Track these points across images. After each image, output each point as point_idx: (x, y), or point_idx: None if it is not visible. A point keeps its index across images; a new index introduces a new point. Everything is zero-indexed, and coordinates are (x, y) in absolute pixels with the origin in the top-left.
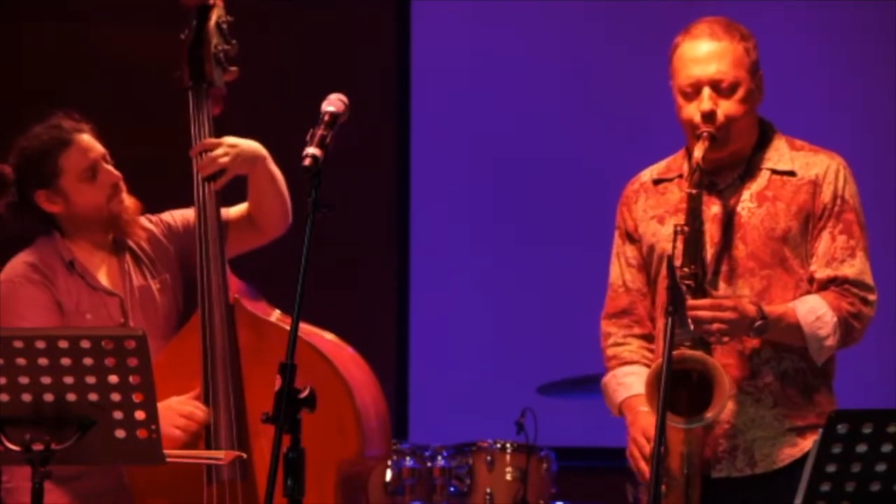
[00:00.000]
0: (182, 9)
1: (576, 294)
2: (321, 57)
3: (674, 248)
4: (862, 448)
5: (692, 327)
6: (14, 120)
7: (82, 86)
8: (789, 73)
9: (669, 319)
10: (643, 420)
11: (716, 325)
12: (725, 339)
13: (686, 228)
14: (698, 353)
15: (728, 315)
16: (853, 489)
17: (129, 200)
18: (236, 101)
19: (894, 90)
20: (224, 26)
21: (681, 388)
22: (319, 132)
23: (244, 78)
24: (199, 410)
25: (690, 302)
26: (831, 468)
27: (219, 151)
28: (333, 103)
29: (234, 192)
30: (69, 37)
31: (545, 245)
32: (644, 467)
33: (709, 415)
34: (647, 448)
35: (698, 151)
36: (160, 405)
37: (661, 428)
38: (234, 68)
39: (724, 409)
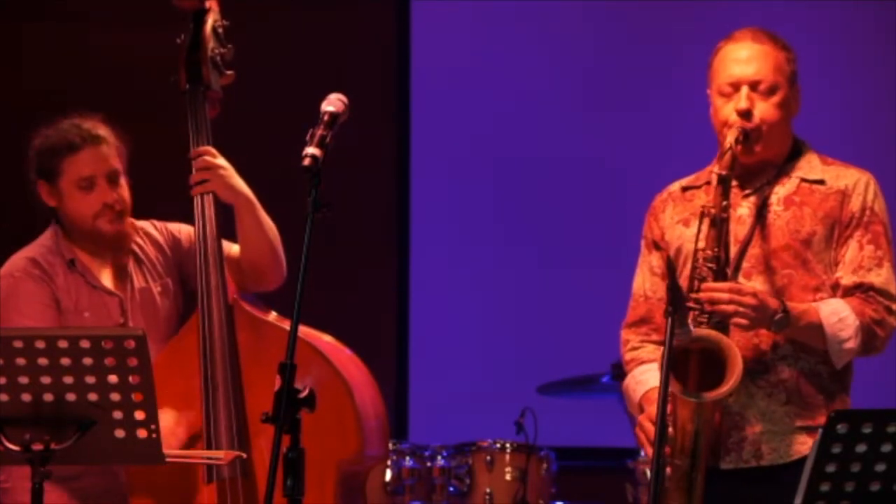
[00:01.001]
0: (181, 10)
1: (576, 294)
2: (321, 57)
3: (699, 229)
4: (862, 448)
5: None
6: (14, 120)
7: (82, 86)
8: None
9: (669, 320)
10: (653, 408)
11: (732, 307)
12: (744, 321)
13: (712, 210)
14: (714, 333)
15: (747, 300)
16: (853, 489)
17: (126, 224)
18: (236, 101)
19: (894, 90)
20: (220, 30)
21: (696, 367)
22: (319, 132)
23: (244, 78)
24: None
25: (710, 284)
26: (831, 468)
27: (209, 161)
28: (333, 103)
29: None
30: (69, 37)
31: (545, 245)
32: (651, 451)
33: (717, 392)
34: (654, 432)
35: (731, 136)
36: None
37: (662, 423)
38: (230, 72)
39: (733, 390)
